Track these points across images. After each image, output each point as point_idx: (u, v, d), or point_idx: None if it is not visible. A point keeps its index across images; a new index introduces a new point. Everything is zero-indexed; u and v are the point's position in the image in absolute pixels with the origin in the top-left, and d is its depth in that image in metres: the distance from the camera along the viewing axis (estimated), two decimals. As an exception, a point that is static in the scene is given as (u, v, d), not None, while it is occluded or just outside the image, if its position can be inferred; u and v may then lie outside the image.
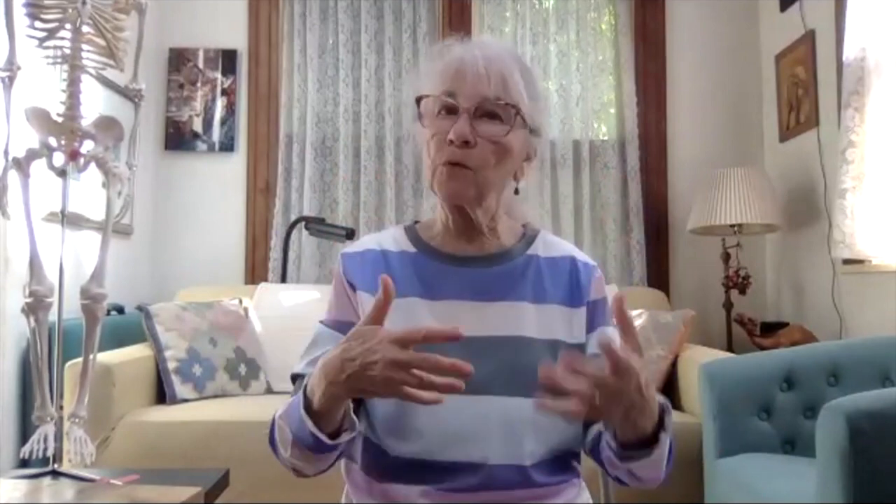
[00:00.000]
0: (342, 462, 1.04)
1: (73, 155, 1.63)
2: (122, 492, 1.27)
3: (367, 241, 1.11)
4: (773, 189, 3.07)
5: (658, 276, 3.43)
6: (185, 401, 2.49)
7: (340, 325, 1.02)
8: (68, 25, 1.65)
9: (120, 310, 2.92)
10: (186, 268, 3.42)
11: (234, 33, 3.54)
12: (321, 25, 3.52)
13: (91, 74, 1.76)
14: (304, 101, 3.49)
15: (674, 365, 2.63)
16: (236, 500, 1.95)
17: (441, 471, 0.94)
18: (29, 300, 1.60)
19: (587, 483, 1.09)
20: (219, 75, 3.51)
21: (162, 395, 2.53)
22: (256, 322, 2.90)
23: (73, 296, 1.67)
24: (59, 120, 1.64)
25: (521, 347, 1.00)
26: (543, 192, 3.37)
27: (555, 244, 1.12)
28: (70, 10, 1.64)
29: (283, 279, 3.27)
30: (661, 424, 0.91)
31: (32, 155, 1.62)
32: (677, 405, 2.58)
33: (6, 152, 1.62)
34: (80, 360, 1.67)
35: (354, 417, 0.91)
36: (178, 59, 3.51)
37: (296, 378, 1.03)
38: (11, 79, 1.64)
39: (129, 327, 2.70)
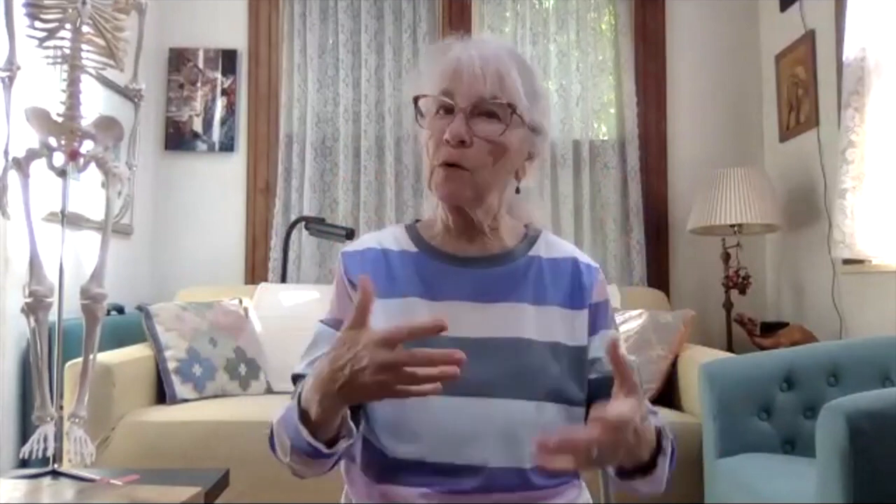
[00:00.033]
0: (342, 462, 1.04)
1: (73, 155, 1.63)
2: (122, 492, 1.27)
3: (367, 240, 1.10)
4: (773, 189, 3.07)
5: (658, 276, 3.43)
6: (185, 401, 2.49)
7: (341, 325, 1.01)
8: (68, 25, 1.65)
9: (120, 310, 2.92)
10: (186, 268, 3.42)
11: (234, 33, 3.54)
12: (321, 25, 3.52)
13: (91, 74, 1.76)
14: (304, 101, 3.49)
15: (674, 365, 2.63)
16: (236, 500, 1.95)
17: (440, 473, 0.94)
18: (29, 300, 1.60)
19: (587, 484, 1.09)
20: (219, 75, 3.51)
21: (162, 395, 2.53)
22: (256, 322, 2.90)
23: (73, 296, 1.67)
24: (59, 120, 1.64)
25: (521, 349, 1.00)
26: (543, 192, 3.36)
27: (557, 245, 1.11)
28: (70, 10, 1.64)
29: (283, 279, 3.27)
30: (659, 447, 0.91)
31: (32, 155, 1.62)
32: (677, 405, 2.58)
33: (6, 152, 1.62)
34: (80, 360, 1.67)
35: (352, 424, 0.91)
36: (178, 59, 3.51)
37: (296, 378, 1.02)
38: (11, 79, 1.64)
39: (129, 327, 2.70)
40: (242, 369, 2.69)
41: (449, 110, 1.00)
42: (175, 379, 2.51)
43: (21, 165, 1.61)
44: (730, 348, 3.03)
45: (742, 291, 3.11)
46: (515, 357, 0.99)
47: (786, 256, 3.31)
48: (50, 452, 1.60)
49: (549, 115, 1.11)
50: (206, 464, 2.10)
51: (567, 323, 1.03)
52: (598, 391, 0.99)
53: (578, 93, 3.46)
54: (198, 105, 3.51)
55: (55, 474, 1.58)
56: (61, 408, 1.73)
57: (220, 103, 3.51)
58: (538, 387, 0.98)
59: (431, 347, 0.80)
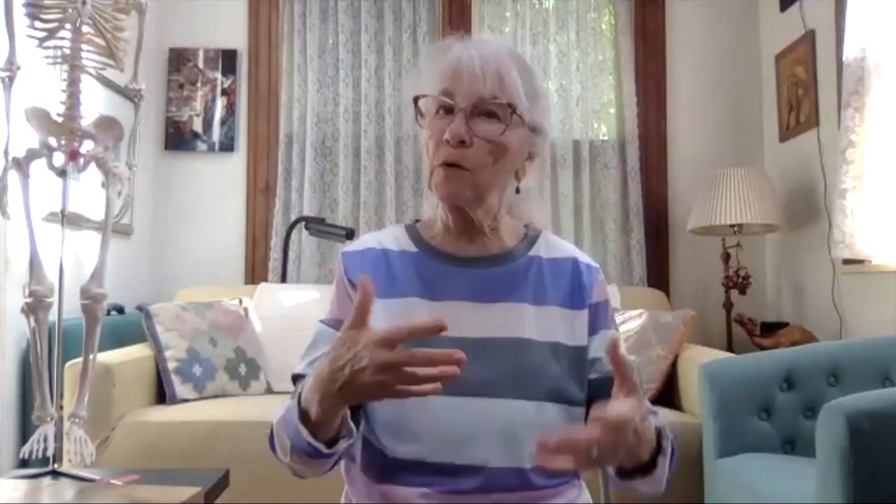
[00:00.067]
0: (342, 462, 1.04)
1: (73, 155, 1.63)
2: (122, 492, 1.27)
3: (367, 240, 1.10)
4: (773, 189, 3.07)
5: (658, 276, 3.43)
6: (185, 401, 2.49)
7: (341, 325, 1.01)
8: (68, 25, 1.65)
9: (120, 310, 2.92)
10: (186, 268, 3.42)
11: (234, 33, 3.54)
12: (321, 25, 3.52)
13: (91, 74, 1.76)
14: (304, 101, 3.49)
15: (674, 365, 2.63)
16: (236, 500, 1.95)
17: (440, 473, 0.94)
18: (29, 300, 1.60)
19: (587, 484, 1.09)
20: (219, 75, 3.51)
21: (162, 395, 2.53)
22: (256, 322, 2.90)
23: (73, 296, 1.67)
24: (59, 120, 1.64)
25: (521, 349, 1.00)
26: (543, 192, 3.37)
27: (557, 245, 1.11)
28: (70, 10, 1.64)
29: (283, 279, 3.27)
30: (659, 447, 0.91)
31: (32, 155, 1.62)
32: (677, 405, 2.58)
33: (6, 152, 1.62)
34: (80, 360, 1.67)
35: (352, 424, 0.91)
36: (178, 59, 3.51)
37: (297, 379, 1.02)
38: (11, 79, 1.64)
39: (129, 327, 2.70)
40: (242, 369, 2.69)
41: (449, 110, 1.00)
42: (175, 379, 2.51)
43: (21, 165, 1.61)
44: (730, 348, 3.03)
45: (742, 291, 3.11)
46: (515, 357, 0.99)
47: (786, 256, 3.31)
48: (50, 452, 1.60)
49: (550, 114, 1.11)
50: (206, 464, 2.10)
51: (567, 323, 1.03)
52: (598, 391, 0.99)
53: (578, 93, 3.46)
54: (198, 105, 3.51)
55: (55, 474, 1.58)
56: (61, 408, 1.73)
57: (220, 103, 3.51)
58: (538, 387, 0.98)
59: (432, 347, 0.80)
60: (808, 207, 3.06)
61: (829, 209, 2.74)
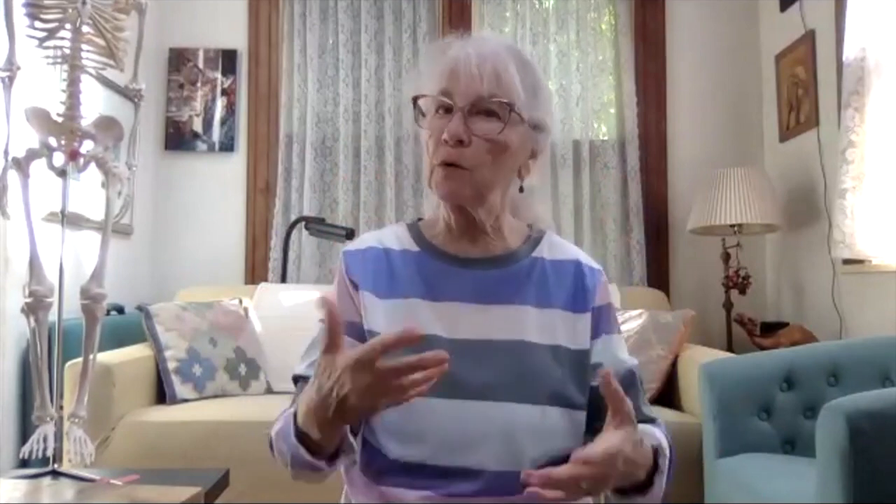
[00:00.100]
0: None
1: (73, 155, 1.63)
2: (122, 492, 1.27)
3: (368, 239, 1.09)
4: (773, 189, 3.07)
5: (658, 276, 3.43)
6: (185, 401, 2.49)
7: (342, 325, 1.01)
8: (68, 25, 1.65)
9: (120, 310, 2.92)
10: (186, 268, 3.42)
11: (234, 33, 3.54)
12: (321, 25, 3.52)
13: (91, 74, 1.76)
14: (304, 101, 3.49)
15: (674, 365, 2.63)
16: (236, 500, 1.95)
17: (440, 475, 0.94)
18: (29, 300, 1.60)
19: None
20: (219, 75, 3.51)
21: (162, 395, 2.53)
22: (256, 322, 2.90)
23: (73, 296, 1.67)
24: (59, 120, 1.64)
25: (522, 352, 0.99)
26: (543, 192, 3.37)
27: (560, 246, 1.10)
28: (70, 10, 1.64)
29: (283, 279, 3.27)
30: (655, 466, 0.92)
31: (32, 155, 1.62)
32: (677, 405, 2.58)
33: (6, 152, 1.62)
34: (80, 360, 1.67)
35: (352, 439, 0.91)
36: (178, 59, 3.51)
37: (297, 379, 1.02)
38: (11, 79, 1.64)
39: (129, 327, 2.70)
40: (242, 369, 2.69)
41: (448, 110, 0.99)
42: (175, 379, 2.51)
43: (21, 165, 1.61)
44: (730, 348, 3.03)
45: (742, 291, 3.11)
46: (517, 360, 0.98)
47: (786, 256, 3.31)
48: (50, 452, 1.60)
49: (552, 109, 1.10)
50: (206, 464, 2.10)
51: (569, 326, 1.03)
52: (600, 398, 0.99)
53: (578, 93, 3.46)
54: (198, 105, 3.51)
55: (55, 474, 1.58)
56: (61, 408, 1.73)
57: (220, 103, 3.51)
58: (539, 390, 0.97)
59: (431, 350, 0.80)
60: (808, 207, 3.06)
61: (829, 209, 2.74)
